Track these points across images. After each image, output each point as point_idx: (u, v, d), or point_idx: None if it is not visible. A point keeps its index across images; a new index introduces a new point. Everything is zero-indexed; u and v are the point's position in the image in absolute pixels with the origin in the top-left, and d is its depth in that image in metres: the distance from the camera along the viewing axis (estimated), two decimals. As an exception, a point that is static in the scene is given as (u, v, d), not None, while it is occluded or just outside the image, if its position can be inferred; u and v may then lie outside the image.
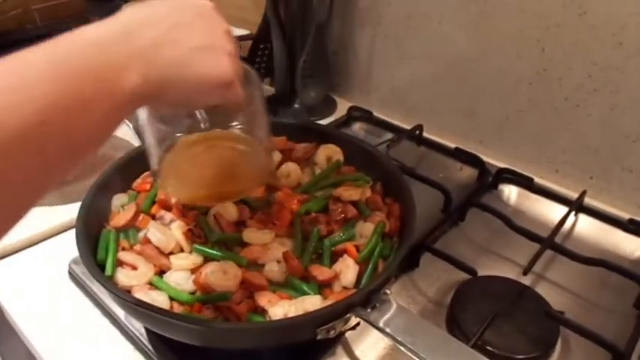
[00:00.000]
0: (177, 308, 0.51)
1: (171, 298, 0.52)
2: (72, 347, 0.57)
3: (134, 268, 0.55)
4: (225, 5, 0.89)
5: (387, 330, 0.46)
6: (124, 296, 0.47)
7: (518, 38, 0.79)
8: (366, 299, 0.48)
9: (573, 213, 0.76)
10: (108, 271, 0.54)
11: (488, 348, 0.55)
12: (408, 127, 0.94)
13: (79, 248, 0.52)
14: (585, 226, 0.76)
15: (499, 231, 0.72)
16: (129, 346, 0.57)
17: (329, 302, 0.50)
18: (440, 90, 0.93)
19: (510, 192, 0.82)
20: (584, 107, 0.77)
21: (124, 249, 0.57)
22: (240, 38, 0.93)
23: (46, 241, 0.72)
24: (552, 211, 0.77)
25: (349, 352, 0.57)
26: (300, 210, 0.61)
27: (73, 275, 0.66)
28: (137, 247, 0.57)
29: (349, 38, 1.01)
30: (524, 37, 0.78)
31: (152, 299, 0.50)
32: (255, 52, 1.04)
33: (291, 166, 0.69)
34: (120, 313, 0.59)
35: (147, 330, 0.56)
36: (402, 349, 0.45)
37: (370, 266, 0.55)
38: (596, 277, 0.66)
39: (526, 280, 0.65)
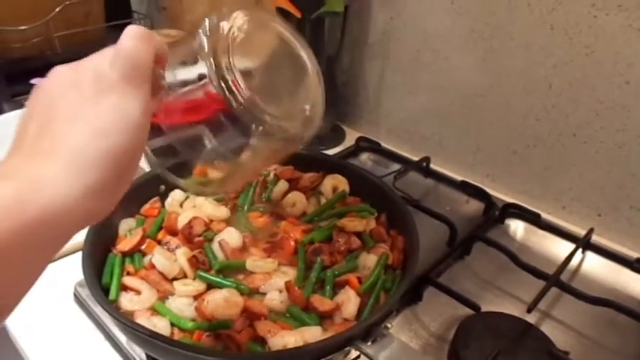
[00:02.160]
0: (178, 334, 0.52)
1: (173, 324, 0.52)
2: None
3: (138, 292, 0.55)
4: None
5: (386, 366, 0.45)
6: (126, 321, 0.48)
7: (525, 74, 0.80)
8: (366, 332, 0.48)
9: (580, 250, 0.75)
10: (112, 295, 0.54)
11: (491, 386, 0.54)
12: (415, 158, 0.94)
13: (84, 272, 0.52)
14: (593, 264, 0.75)
15: (505, 266, 0.72)
16: (127, 369, 0.58)
17: (329, 334, 0.49)
18: (447, 123, 0.94)
19: (517, 227, 0.81)
20: (592, 144, 0.77)
21: (129, 273, 0.58)
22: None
23: (53, 263, 0.72)
24: (559, 248, 0.77)
25: (349, 383, 0.56)
26: (304, 239, 0.62)
27: (77, 297, 0.66)
28: (142, 272, 0.58)
29: (359, 71, 1.03)
30: (532, 73, 0.79)
31: (153, 325, 0.51)
32: (267, 82, 1.06)
33: (297, 196, 0.70)
34: (122, 337, 0.60)
35: (147, 356, 0.56)
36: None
37: (372, 299, 0.55)
38: (603, 316, 0.65)
39: (531, 318, 0.64)
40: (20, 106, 1.05)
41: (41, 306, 0.66)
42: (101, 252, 0.59)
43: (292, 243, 0.62)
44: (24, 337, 0.62)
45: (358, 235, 0.63)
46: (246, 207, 0.70)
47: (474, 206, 0.87)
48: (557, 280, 0.66)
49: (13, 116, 0.88)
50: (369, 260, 0.59)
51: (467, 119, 0.91)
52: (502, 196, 0.88)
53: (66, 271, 0.70)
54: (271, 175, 0.73)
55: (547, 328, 0.63)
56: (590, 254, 0.77)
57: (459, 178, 0.91)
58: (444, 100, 0.93)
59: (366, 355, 0.46)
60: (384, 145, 1.02)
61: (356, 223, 0.63)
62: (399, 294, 0.52)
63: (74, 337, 0.62)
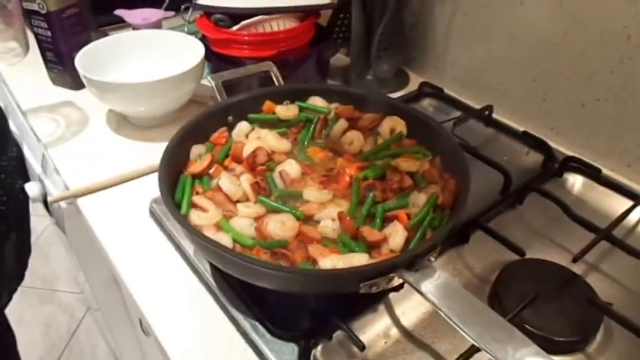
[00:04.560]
0: (239, 249, 0.57)
1: (235, 240, 0.58)
2: (147, 274, 0.66)
3: (205, 210, 0.61)
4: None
5: (426, 294, 0.48)
6: (195, 232, 0.54)
7: (603, 22, 0.76)
8: (410, 262, 0.51)
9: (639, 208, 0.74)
10: (183, 210, 0.60)
11: (526, 326, 0.57)
12: (478, 106, 0.94)
13: (160, 189, 0.59)
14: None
15: (557, 218, 0.72)
16: (194, 279, 0.65)
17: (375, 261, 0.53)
18: (515, 72, 0.92)
19: (575, 181, 0.80)
20: (667, 101, 0.73)
21: (197, 193, 0.64)
22: (322, 7, 0.96)
23: (132, 181, 0.81)
24: (617, 205, 0.75)
25: (390, 311, 0.61)
26: (358, 175, 0.65)
27: (153, 213, 0.74)
28: (209, 193, 0.63)
29: (428, 13, 1.02)
30: (610, 22, 0.75)
31: (218, 239, 0.57)
32: (335, 21, 1.07)
33: (355, 134, 0.72)
34: (190, 249, 0.67)
35: (211, 266, 0.63)
36: (440, 313, 0.48)
37: (419, 233, 0.58)
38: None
39: (577, 269, 0.65)
40: (105, 35, 1.12)
41: (122, 218, 0.74)
42: (174, 174, 0.66)
43: (347, 178, 0.65)
44: (107, 244, 0.71)
45: (411, 175, 0.66)
46: (306, 142, 0.74)
47: (534, 158, 0.86)
48: (608, 234, 0.66)
49: (100, 44, 0.95)
50: (419, 199, 0.61)
51: (536, 69, 0.88)
52: (565, 150, 0.86)
53: (142, 190, 0.79)
54: (332, 113, 0.76)
55: (593, 280, 0.64)
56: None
57: (521, 129, 0.90)
58: (514, 47, 0.90)
59: (408, 282, 0.50)
60: (447, 91, 1.01)
61: (409, 164, 0.66)
62: (445, 230, 0.55)
63: (148, 248, 0.70)
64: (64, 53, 0.98)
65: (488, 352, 0.43)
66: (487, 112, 0.92)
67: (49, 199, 0.78)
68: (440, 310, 0.47)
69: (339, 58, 1.12)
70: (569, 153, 0.84)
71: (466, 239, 0.69)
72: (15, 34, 0.87)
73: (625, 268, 0.66)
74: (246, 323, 0.57)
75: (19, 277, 0.96)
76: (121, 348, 1.30)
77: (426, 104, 1.00)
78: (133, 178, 0.81)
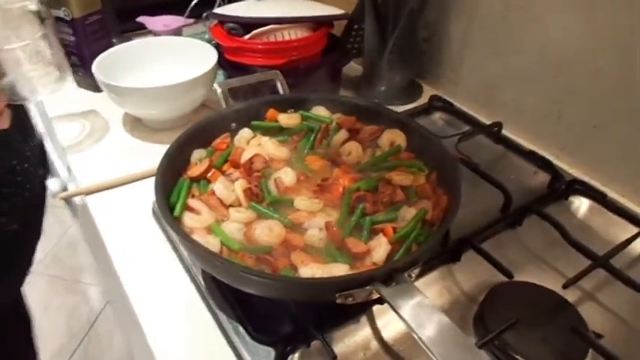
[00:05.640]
0: (227, 253, 0.59)
1: (223, 244, 0.59)
2: (142, 270, 0.68)
3: (198, 213, 0.63)
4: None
5: (399, 310, 0.48)
6: (179, 234, 0.56)
7: (622, 38, 0.74)
8: (387, 276, 0.51)
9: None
10: (176, 212, 0.62)
11: (508, 350, 0.56)
12: (490, 122, 0.92)
13: (155, 191, 0.61)
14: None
15: (556, 242, 0.70)
16: (187, 278, 0.67)
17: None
18: (528, 88, 0.90)
19: (581, 204, 0.78)
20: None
21: (193, 196, 0.66)
22: (334, 17, 0.97)
23: (138, 182, 0.83)
24: (622, 232, 0.73)
25: (372, 322, 0.61)
26: (351, 187, 0.66)
27: (155, 213, 0.77)
28: (204, 197, 0.65)
29: (443, 26, 1.01)
30: (630, 37, 0.73)
31: (207, 242, 0.58)
32: (350, 32, 1.08)
33: (353, 145, 0.73)
34: (184, 249, 0.69)
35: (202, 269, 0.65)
36: (410, 331, 0.48)
37: (403, 248, 0.58)
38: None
39: (570, 296, 0.63)
40: (128, 40, 1.16)
41: (126, 217, 0.77)
42: (175, 176, 0.68)
43: (340, 189, 0.66)
44: (110, 239, 0.73)
45: (404, 189, 0.66)
46: (306, 150, 0.75)
47: (542, 178, 0.84)
48: (605, 261, 0.64)
49: (117, 50, 0.99)
50: (409, 213, 0.62)
51: (551, 86, 0.86)
52: (575, 170, 0.84)
53: (149, 190, 0.80)
54: (334, 123, 0.77)
55: (586, 309, 0.63)
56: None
57: (532, 147, 0.88)
58: (529, 63, 0.89)
59: (382, 296, 0.50)
60: (460, 106, 1.01)
61: (402, 177, 0.66)
62: (426, 247, 0.55)
63: (147, 246, 0.72)
64: (86, 58, 1.03)
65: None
66: (496, 129, 0.90)
67: (59, 195, 0.82)
68: (409, 327, 0.47)
69: (353, 68, 1.13)
70: (580, 174, 0.82)
71: (458, 258, 0.68)
72: (55, 61, 0.92)
73: (622, 298, 0.64)
74: (228, 324, 0.59)
75: (30, 263, 1.00)
76: (131, 341, 1.34)
77: (437, 118, 0.99)
78: (141, 179, 0.84)
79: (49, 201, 0.90)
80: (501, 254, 0.68)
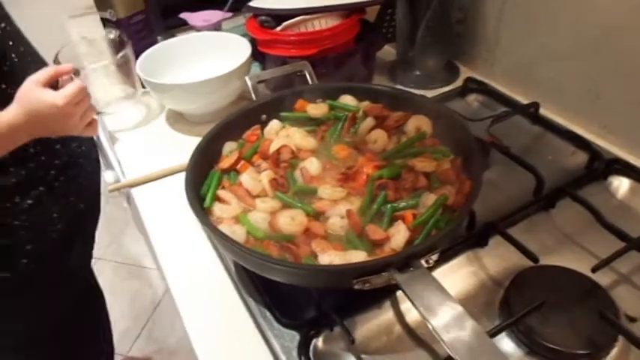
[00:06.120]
0: (253, 242, 0.62)
1: (248, 233, 0.62)
2: (182, 257, 0.73)
3: (227, 203, 0.67)
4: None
5: (411, 296, 0.49)
6: (206, 223, 0.59)
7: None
8: (403, 262, 0.52)
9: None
10: (206, 203, 0.66)
11: (531, 335, 0.56)
12: (527, 102, 0.90)
13: (185, 183, 0.65)
14: None
15: (590, 225, 0.68)
16: (220, 266, 0.71)
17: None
18: (567, 66, 0.87)
19: (620, 184, 0.75)
20: None
21: (223, 187, 0.69)
22: (365, 4, 0.96)
23: (179, 174, 0.88)
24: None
25: (395, 307, 0.62)
26: (374, 174, 0.67)
27: (192, 203, 0.81)
28: (233, 188, 0.69)
29: (477, 7, 0.98)
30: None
31: (233, 231, 0.62)
32: (383, 17, 1.07)
33: (378, 133, 0.74)
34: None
35: (233, 255, 0.69)
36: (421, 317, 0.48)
37: (422, 234, 0.58)
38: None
39: (604, 280, 0.62)
40: (172, 36, 1.22)
41: (167, 208, 0.82)
42: (207, 168, 0.72)
43: (364, 177, 0.67)
44: (153, 229, 0.79)
45: (427, 175, 0.66)
46: (333, 139, 0.76)
47: (580, 158, 0.81)
48: (639, 243, 0.61)
49: (164, 45, 1.04)
50: (430, 199, 0.62)
51: (589, 63, 0.82)
52: (617, 149, 0.80)
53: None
54: (361, 111, 0.78)
55: (621, 293, 0.61)
56: None
57: (570, 127, 0.85)
58: (566, 41, 0.85)
59: (397, 282, 0.51)
60: (498, 86, 0.98)
61: (425, 164, 0.66)
62: (443, 233, 0.55)
63: (187, 235, 0.76)
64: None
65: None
66: (533, 109, 0.88)
67: (108, 187, 0.89)
68: (420, 313, 0.48)
69: (390, 53, 1.12)
70: (623, 153, 0.79)
71: (485, 242, 0.68)
72: (129, 79, 1.02)
73: (658, 282, 0.62)
74: (257, 309, 0.62)
75: (94, 239, 1.09)
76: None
77: (472, 100, 0.97)
78: (181, 171, 0.88)
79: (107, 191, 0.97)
80: (532, 238, 0.67)
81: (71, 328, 1.06)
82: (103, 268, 2.21)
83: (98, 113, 0.91)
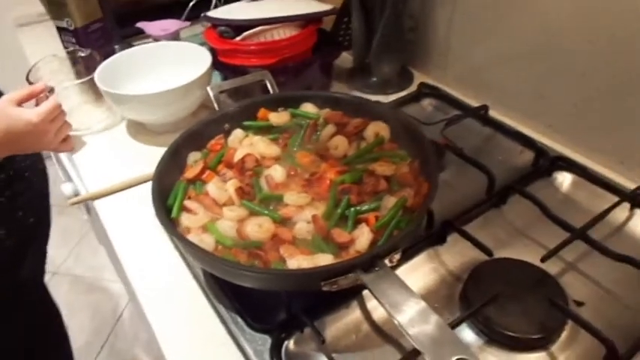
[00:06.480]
0: (222, 250, 0.63)
1: (217, 241, 0.64)
2: (150, 266, 0.73)
3: (194, 213, 0.68)
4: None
5: (377, 295, 0.52)
6: (173, 233, 0.60)
7: (598, 21, 0.76)
8: (368, 263, 0.55)
9: (629, 207, 0.74)
10: (174, 214, 0.67)
11: (489, 324, 0.60)
12: (478, 105, 0.95)
13: (152, 195, 0.66)
14: (640, 223, 0.74)
15: (539, 218, 0.73)
16: (189, 274, 0.71)
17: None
18: (513, 70, 0.92)
19: (564, 179, 0.81)
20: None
21: (190, 197, 0.70)
22: (321, 14, 0.99)
23: (143, 185, 0.88)
24: (606, 203, 0.75)
25: (362, 306, 0.65)
26: (337, 179, 0.69)
27: (158, 214, 0.81)
28: (200, 197, 0.70)
29: (428, 15, 1.03)
30: (606, 20, 0.75)
31: (201, 240, 0.63)
32: (339, 26, 1.10)
33: (339, 139, 0.77)
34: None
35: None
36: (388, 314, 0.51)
37: (384, 236, 0.61)
38: (631, 275, 0.65)
39: (552, 268, 0.66)
40: (130, 45, 1.21)
41: (133, 219, 0.82)
42: (172, 179, 0.72)
43: (327, 182, 0.70)
44: (118, 241, 0.79)
45: (387, 178, 0.69)
46: (295, 147, 0.78)
47: (527, 157, 0.86)
48: (582, 233, 0.67)
49: (127, 54, 1.03)
50: (391, 202, 0.65)
51: (533, 66, 0.88)
52: (561, 147, 0.86)
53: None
54: (321, 119, 0.80)
55: (569, 280, 0.66)
56: (640, 212, 0.75)
57: (519, 127, 0.91)
58: (512, 45, 0.91)
59: (363, 282, 0.54)
60: (450, 90, 1.03)
61: (384, 168, 0.69)
62: (404, 233, 0.58)
63: (154, 245, 0.77)
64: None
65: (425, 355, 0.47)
66: (483, 112, 0.93)
67: (69, 201, 0.88)
68: (387, 310, 0.51)
69: (348, 60, 1.16)
70: (568, 151, 0.85)
71: (443, 240, 0.72)
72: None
73: (602, 267, 0.67)
74: (227, 315, 0.63)
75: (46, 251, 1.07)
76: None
77: (426, 104, 1.02)
78: (145, 181, 0.89)
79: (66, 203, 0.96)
80: (487, 233, 0.72)
81: (27, 350, 1.03)
82: (59, 283, 2.15)
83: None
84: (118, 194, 0.87)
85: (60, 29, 1.06)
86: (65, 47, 1.09)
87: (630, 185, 0.77)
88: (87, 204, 0.96)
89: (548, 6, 0.82)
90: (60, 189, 0.99)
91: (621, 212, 0.74)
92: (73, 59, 1.09)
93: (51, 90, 0.84)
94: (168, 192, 0.70)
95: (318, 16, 1.00)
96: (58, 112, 0.76)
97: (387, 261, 0.56)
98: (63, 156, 1.09)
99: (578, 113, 0.84)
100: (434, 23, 1.03)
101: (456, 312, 0.64)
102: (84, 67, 1.08)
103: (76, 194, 0.99)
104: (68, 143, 0.81)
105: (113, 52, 1.05)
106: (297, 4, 1.01)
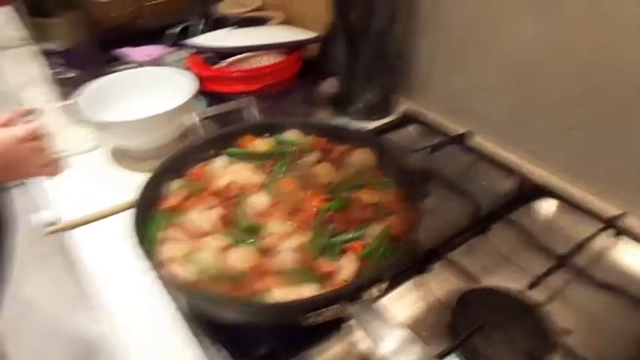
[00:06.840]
0: (204, 280, 0.61)
1: (199, 272, 0.62)
2: (130, 297, 0.71)
3: (177, 243, 0.66)
4: (299, 6, 0.98)
5: (363, 327, 0.51)
6: (154, 267, 0.59)
7: (575, 52, 0.77)
8: (353, 294, 0.54)
9: (613, 234, 0.75)
10: (155, 243, 0.65)
11: (476, 355, 0.59)
12: (461, 132, 0.96)
13: (132, 225, 0.64)
14: (626, 250, 0.74)
15: (524, 245, 0.73)
16: (167, 300, 0.70)
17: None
18: (495, 98, 0.94)
19: (548, 206, 0.81)
20: None
21: (172, 226, 0.69)
22: (305, 42, 1.00)
23: (123, 212, 0.86)
24: (590, 230, 0.76)
25: (347, 337, 0.63)
26: (322, 207, 0.69)
27: (139, 242, 0.79)
28: (182, 226, 0.68)
29: (411, 45, 1.05)
30: (582, 51, 0.76)
31: (183, 270, 0.61)
32: (324, 53, 1.11)
33: (325, 167, 0.76)
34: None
35: (183, 295, 0.68)
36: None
37: (370, 265, 0.60)
38: (617, 302, 0.65)
39: (538, 296, 0.66)
40: (112, 71, 1.20)
41: (113, 248, 0.80)
42: (153, 208, 0.71)
43: (312, 210, 0.69)
44: (97, 271, 0.77)
45: (372, 206, 0.69)
46: (280, 174, 0.78)
47: (511, 183, 0.87)
48: (566, 261, 0.67)
49: (108, 80, 1.02)
50: (376, 230, 0.64)
51: (514, 95, 0.90)
52: (543, 172, 0.87)
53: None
54: (306, 145, 0.80)
55: (555, 307, 0.66)
56: (626, 240, 0.75)
57: (501, 153, 0.92)
58: (493, 75, 0.92)
59: (347, 313, 0.53)
60: (433, 117, 1.04)
61: (369, 196, 0.69)
62: (388, 263, 0.58)
63: (135, 276, 0.75)
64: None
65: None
66: (467, 138, 0.93)
67: (45, 230, 0.85)
68: (372, 342, 0.50)
69: (332, 86, 1.16)
70: (550, 177, 0.86)
71: (429, 267, 0.71)
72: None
73: (588, 294, 0.67)
74: (209, 347, 0.62)
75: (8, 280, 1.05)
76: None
77: (410, 131, 1.02)
78: (126, 209, 0.87)
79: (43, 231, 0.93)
80: (472, 260, 0.71)
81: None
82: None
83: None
84: (97, 222, 0.85)
85: (45, 52, 1.06)
86: (52, 69, 1.08)
87: (614, 212, 0.78)
88: (62, 233, 0.93)
89: (525, 38, 0.84)
90: (33, 217, 0.96)
91: (605, 239, 0.74)
92: (59, 81, 1.08)
93: (35, 111, 0.84)
94: (148, 220, 0.69)
95: (302, 45, 1.01)
96: (42, 133, 0.77)
97: (373, 291, 0.55)
98: (41, 181, 1.07)
99: (560, 141, 0.85)
100: (417, 51, 1.05)
101: (443, 340, 0.63)
102: (70, 89, 1.07)
103: (54, 223, 0.97)
104: (56, 166, 0.81)
105: (98, 76, 1.04)
106: (282, 32, 1.02)
